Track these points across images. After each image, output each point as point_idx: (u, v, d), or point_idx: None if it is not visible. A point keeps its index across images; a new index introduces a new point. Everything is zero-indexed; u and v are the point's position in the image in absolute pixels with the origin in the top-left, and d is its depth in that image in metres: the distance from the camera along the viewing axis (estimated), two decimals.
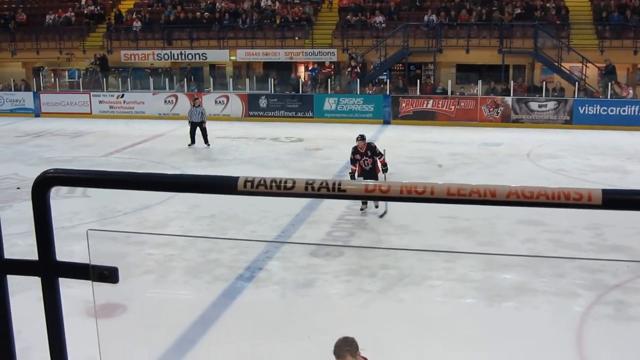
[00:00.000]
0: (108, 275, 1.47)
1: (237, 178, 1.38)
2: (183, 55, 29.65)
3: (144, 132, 23.33)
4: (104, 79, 28.86)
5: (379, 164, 12.48)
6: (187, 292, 9.10)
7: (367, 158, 12.36)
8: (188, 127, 20.36)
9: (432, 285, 9.08)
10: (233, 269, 9.60)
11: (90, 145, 21.04)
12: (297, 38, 28.73)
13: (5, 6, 34.17)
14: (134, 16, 31.13)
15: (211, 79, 28.69)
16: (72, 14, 32.21)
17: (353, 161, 12.42)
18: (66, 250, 8.21)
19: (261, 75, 29.25)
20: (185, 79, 27.68)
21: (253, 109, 26.31)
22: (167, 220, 12.20)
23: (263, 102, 26.21)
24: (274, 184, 1.37)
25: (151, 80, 27.80)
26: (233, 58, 29.29)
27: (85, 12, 32.35)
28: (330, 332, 5.20)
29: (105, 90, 28.42)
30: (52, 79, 30.19)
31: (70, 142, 22.02)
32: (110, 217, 12.18)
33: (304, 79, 28.89)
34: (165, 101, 27.07)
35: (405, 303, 8.55)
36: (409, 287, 8.95)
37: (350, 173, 12.54)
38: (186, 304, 8.79)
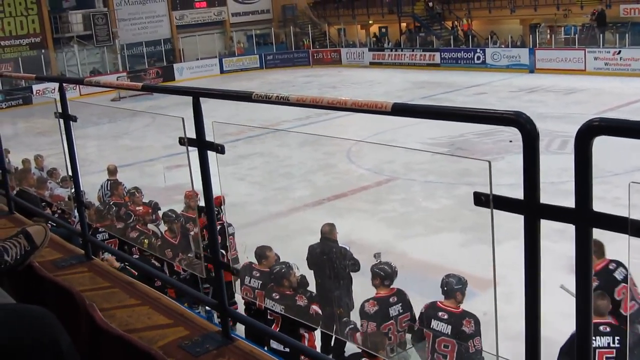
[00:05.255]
0: None
1: None
2: None
3: None
4: (601, 35, 27.87)
5: None
6: None
7: None
8: None
9: None
10: None
11: (582, 103, 20.70)
12: None
13: None
14: None
15: None
16: None
17: None
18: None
19: None
20: None
21: None
22: None
23: None
24: None
25: None
26: None
27: None
28: None
29: (601, 46, 27.47)
30: (548, 35, 30.36)
31: (563, 98, 22.00)
32: (600, 176, 11.83)
33: None
34: None
35: None
36: None
37: None
38: None
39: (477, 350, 5.17)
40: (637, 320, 5.37)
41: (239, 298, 7.45)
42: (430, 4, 35.64)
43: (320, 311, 6.09)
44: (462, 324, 5.26)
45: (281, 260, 6.68)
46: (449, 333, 5.24)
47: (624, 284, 5.58)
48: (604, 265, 5.92)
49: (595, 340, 5.13)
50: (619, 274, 5.74)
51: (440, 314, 5.35)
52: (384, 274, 5.90)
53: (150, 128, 19.66)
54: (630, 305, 5.58)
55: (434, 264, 9.04)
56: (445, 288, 5.46)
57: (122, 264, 6.29)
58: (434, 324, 5.34)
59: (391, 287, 5.87)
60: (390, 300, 5.77)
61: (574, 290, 1.54)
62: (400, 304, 5.74)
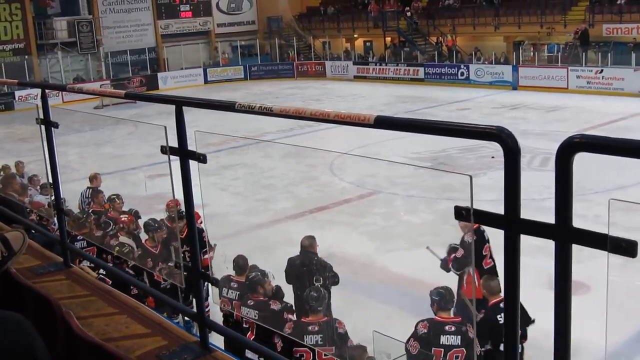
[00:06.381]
0: (625, 247, 1.42)
1: None
2: None
3: (622, 109, 22.16)
4: (584, 54, 28.18)
5: None
6: None
7: None
8: None
9: None
10: None
11: (564, 120, 20.89)
12: None
13: None
14: None
15: None
16: None
17: None
18: None
19: None
20: None
21: None
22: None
23: None
24: None
25: (633, 55, 26.20)
26: None
27: None
28: None
29: (583, 65, 27.78)
30: (532, 53, 30.65)
31: (545, 115, 22.19)
32: (580, 194, 11.92)
33: None
34: None
35: None
36: None
37: None
38: None
39: (480, 351, 5.26)
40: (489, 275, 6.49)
41: (217, 309, 7.41)
42: (409, 13, 35.81)
43: (295, 319, 6.04)
44: (466, 330, 5.24)
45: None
46: (459, 343, 5.21)
47: (488, 244, 6.95)
48: (477, 226, 6.36)
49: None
50: (486, 235, 6.92)
51: (447, 327, 5.27)
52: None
53: (133, 136, 19.58)
54: (488, 262, 7.04)
55: (415, 279, 9.05)
56: (444, 302, 5.41)
57: (98, 273, 6.23)
58: (444, 339, 5.23)
59: (320, 314, 5.53)
60: (309, 328, 5.45)
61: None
62: (320, 336, 5.38)
